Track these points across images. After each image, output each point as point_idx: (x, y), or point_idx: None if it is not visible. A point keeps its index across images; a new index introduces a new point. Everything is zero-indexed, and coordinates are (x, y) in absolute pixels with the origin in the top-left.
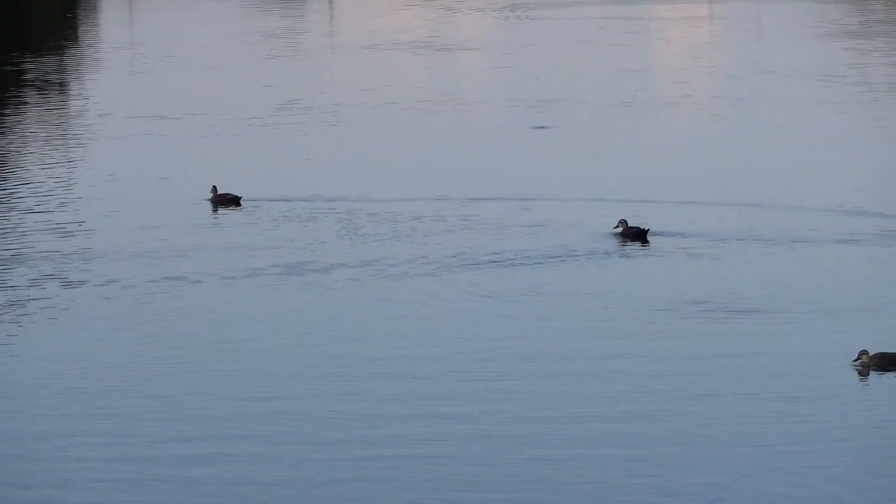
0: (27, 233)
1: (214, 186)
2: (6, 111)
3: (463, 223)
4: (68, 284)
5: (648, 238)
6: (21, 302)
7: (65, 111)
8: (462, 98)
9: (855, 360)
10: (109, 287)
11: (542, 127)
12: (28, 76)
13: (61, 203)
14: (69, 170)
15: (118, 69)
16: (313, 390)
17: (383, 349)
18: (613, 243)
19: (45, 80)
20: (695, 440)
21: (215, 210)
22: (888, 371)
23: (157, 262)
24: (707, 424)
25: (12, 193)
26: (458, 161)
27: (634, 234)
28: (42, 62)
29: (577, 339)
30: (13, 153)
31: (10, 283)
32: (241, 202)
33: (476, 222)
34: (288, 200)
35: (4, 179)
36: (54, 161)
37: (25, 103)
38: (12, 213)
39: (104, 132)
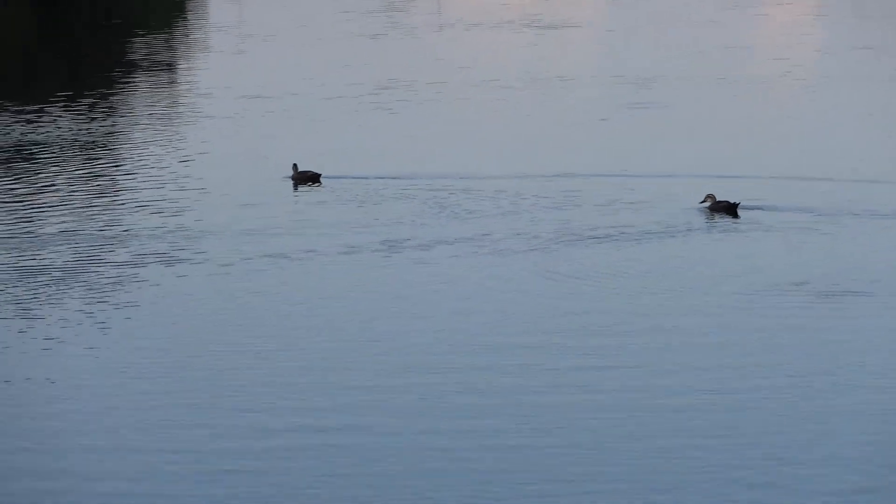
0: (131, 211)
1: (295, 164)
2: (115, 92)
3: (563, 199)
4: (165, 261)
5: (739, 212)
6: (123, 279)
7: (171, 91)
8: (564, 75)
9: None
10: (203, 265)
11: (643, 104)
12: (136, 57)
13: (162, 181)
14: (173, 148)
15: (224, 49)
16: (421, 371)
17: (481, 326)
18: (704, 219)
19: (154, 61)
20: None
21: (296, 188)
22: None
23: (244, 239)
24: (801, 407)
25: (119, 172)
26: (557, 137)
27: (725, 208)
28: (151, 43)
29: (672, 314)
30: (121, 133)
31: (115, 260)
32: (321, 179)
33: (575, 198)
34: (369, 178)
35: (112, 158)
36: (160, 140)
37: (134, 84)
38: (119, 192)
39: (208, 111)
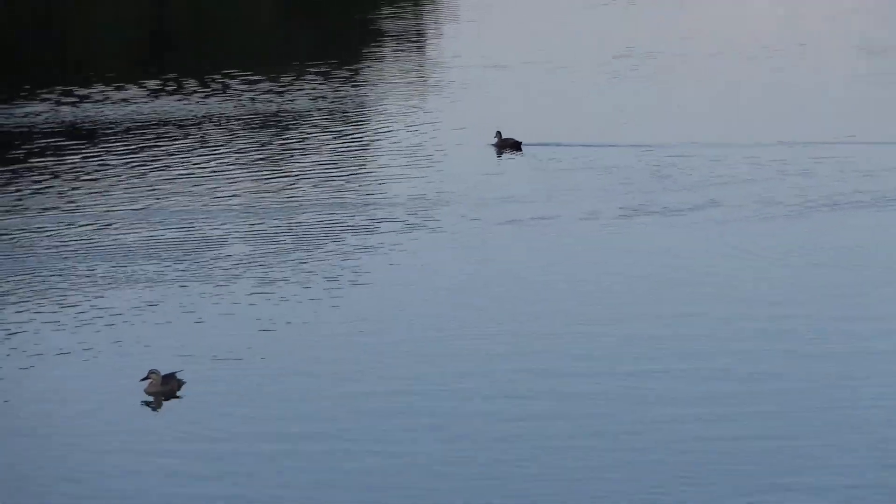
0: (377, 180)
1: (499, 132)
2: (366, 63)
3: (806, 167)
4: (398, 229)
5: None
6: (366, 245)
7: (415, 61)
8: (805, 42)
9: None
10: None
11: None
12: (386, 28)
13: (396, 149)
14: (407, 117)
15: (468, 19)
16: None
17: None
18: None
19: (403, 32)
20: None
21: (499, 154)
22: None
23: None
24: None
25: (361, 141)
26: (785, 106)
27: None
28: (399, 13)
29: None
30: (365, 102)
31: (359, 225)
32: (522, 147)
33: (813, 166)
34: (574, 146)
35: (355, 128)
36: (401, 109)
37: (382, 55)
38: (365, 161)
39: (446, 79)
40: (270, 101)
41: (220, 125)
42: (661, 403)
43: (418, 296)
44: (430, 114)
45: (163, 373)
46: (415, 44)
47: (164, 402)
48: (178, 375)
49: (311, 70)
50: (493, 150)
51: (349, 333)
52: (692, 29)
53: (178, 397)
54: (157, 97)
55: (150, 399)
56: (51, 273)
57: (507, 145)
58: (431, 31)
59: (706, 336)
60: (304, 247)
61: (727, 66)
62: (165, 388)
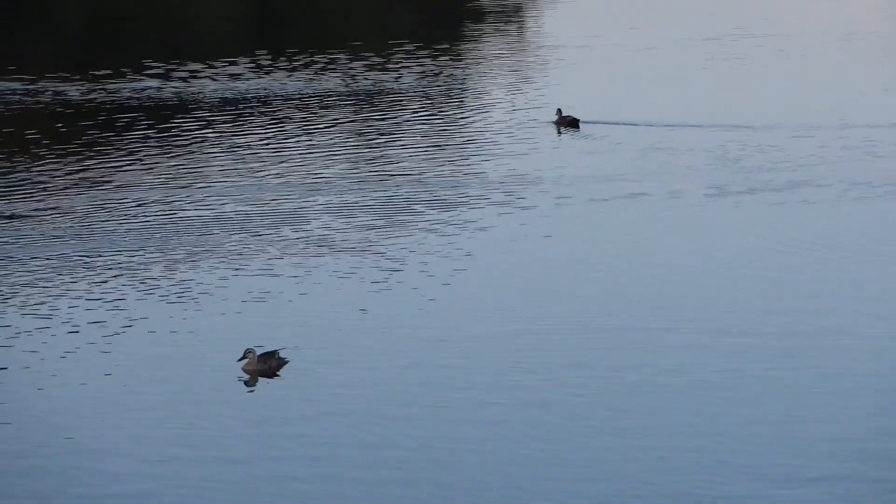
0: (468, 156)
1: (559, 109)
2: (465, 41)
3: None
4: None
5: None
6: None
7: (516, 40)
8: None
9: None
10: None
11: None
12: (487, 6)
13: (487, 129)
14: (502, 97)
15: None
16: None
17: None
18: None
19: (503, 11)
20: None
21: (558, 132)
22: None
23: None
24: None
25: (461, 120)
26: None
27: None
28: None
29: None
30: (468, 81)
31: (453, 202)
32: (579, 125)
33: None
34: (638, 125)
35: (457, 107)
36: (496, 89)
37: (482, 34)
38: (457, 139)
39: (546, 60)
40: (370, 79)
41: (322, 102)
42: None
43: (527, 275)
44: (517, 93)
45: (263, 351)
46: (515, 23)
47: (260, 381)
48: (281, 354)
49: (413, 48)
50: (553, 127)
51: (458, 315)
52: (796, 10)
53: (277, 376)
54: (263, 74)
55: (246, 377)
56: (155, 246)
57: (566, 123)
58: (532, 11)
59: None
60: (401, 222)
61: (824, 47)
62: (263, 366)
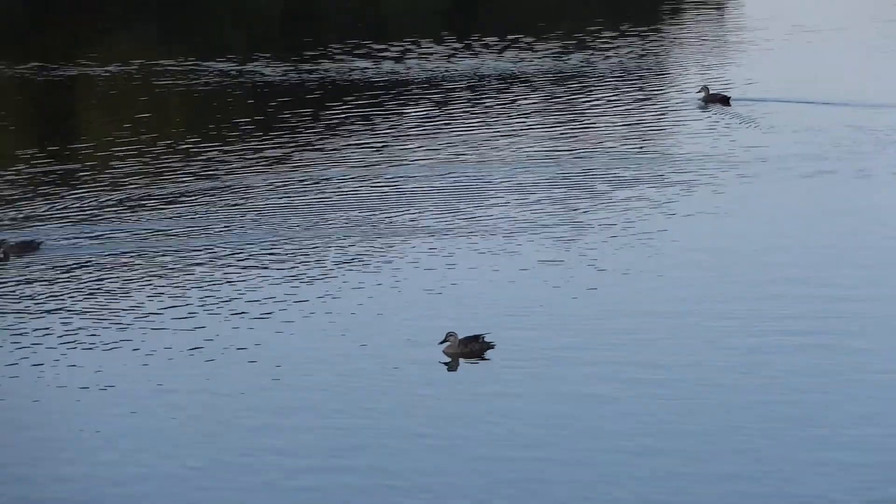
0: (664, 133)
1: (706, 86)
2: (663, 23)
3: None
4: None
5: None
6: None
7: (716, 23)
8: None
9: None
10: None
11: None
12: None
13: (669, 108)
14: (692, 78)
15: None
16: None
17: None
18: None
19: None
20: None
21: (706, 108)
22: None
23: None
24: None
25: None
26: None
27: None
28: None
29: None
30: (664, 62)
31: (647, 179)
32: (730, 102)
33: None
34: (796, 102)
35: (651, 87)
36: (689, 70)
37: (681, 16)
38: (648, 116)
39: (741, 42)
40: (562, 60)
41: (514, 83)
42: None
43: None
44: (710, 72)
45: (466, 335)
46: (714, 5)
47: (462, 363)
48: (487, 338)
49: (607, 29)
50: (700, 104)
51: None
52: None
53: (483, 359)
54: (454, 56)
55: (447, 360)
56: (352, 222)
57: (716, 100)
58: None
59: None
60: (595, 202)
61: None
62: (465, 349)
